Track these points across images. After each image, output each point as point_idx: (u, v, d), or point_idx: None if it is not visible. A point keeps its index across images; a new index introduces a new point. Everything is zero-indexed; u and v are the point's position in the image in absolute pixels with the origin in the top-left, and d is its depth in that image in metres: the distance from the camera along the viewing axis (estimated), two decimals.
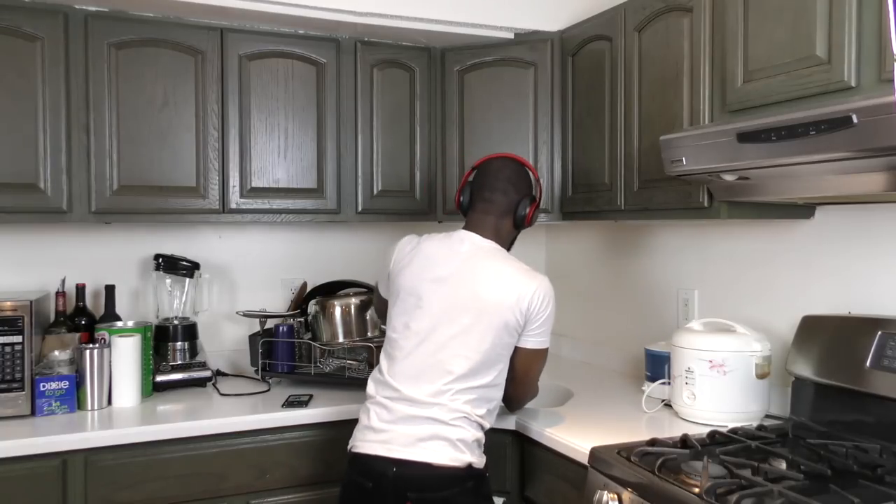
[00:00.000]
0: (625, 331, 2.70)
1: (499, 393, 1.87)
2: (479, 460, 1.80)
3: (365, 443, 1.80)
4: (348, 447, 1.86)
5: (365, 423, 1.84)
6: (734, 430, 1.80)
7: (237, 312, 2.66)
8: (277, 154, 2.45)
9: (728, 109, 1.81)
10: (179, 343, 2.44)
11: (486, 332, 1.79)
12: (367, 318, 2.46)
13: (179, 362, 2.42)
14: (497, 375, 1.85)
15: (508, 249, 2.00)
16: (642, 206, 2.14)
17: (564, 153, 2.53)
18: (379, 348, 2.35)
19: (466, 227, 1.95)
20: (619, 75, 2.21)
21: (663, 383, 2.10)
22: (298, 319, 2.58)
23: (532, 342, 1.87)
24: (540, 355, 1.92)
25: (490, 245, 1.90)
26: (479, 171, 2.00)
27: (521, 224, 1.96)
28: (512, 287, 1.81)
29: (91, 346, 2.17)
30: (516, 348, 1.87)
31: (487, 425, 1.85)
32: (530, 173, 2.02)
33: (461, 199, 2.01)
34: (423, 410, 1.77)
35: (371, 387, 1.87)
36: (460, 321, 1.80)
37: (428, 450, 1.74)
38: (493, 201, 1.93)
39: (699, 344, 1.95)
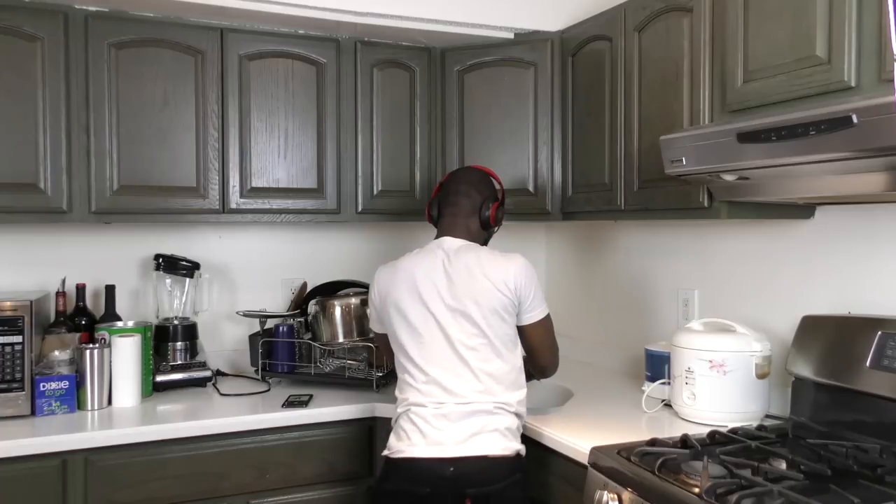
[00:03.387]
0: (625, 331, 2.70)
1: (523, 377, 1.92)
2: (522, 449, 1.85)
3: (413, 447, 1.80)
4: (387, 455, 1.86)
5: (407, 428, 1.83)
6: (734, 430, 1.80)
7: (237, 312, 2.66)
8: (277, 154, 2.45)
9: (728, 109, 1.81)
10: (179, 343, 2.44)
11: (490, 320, 1.84)
12: (368, 317, 2.46)
13: (179, 362, 2.42)
14: (517, 359, 1.90)
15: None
16: (642, 206, 2.14)
17: (564, 153, 2.53)
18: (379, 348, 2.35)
19: (438, 235, 2.01)
20: (619, 75, 2.21)
21: (663, 383, 2.10)
22: (298, 319, 2.58)
23: (533, 316, 1.92)
24: (546, 323, 1.97)
25: (464, 242, 1.96)
26: (444, 184, 2.08)
27: (486, 223, 2.02)
28: (495, 272, 1.86)
29: (91, 346, 2.17)
30: (522, 328, 1.92)
31: (523, 412, 1.89)
32: (491, 177, 2.09)
33: (431, 212, 2.10)
34: (468, 406, 1.80)
35: (404, 395, 1.88)
36: (465, 317, 1.84)
37: (481, 442, 1.77)
38: (458, 204, 2.01)
39: (699, 344, 1.95)
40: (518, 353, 1.92)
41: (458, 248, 1.93)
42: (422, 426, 1.81)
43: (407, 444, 1.81)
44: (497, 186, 2.09)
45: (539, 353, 2.00)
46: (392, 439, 1.87)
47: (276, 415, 2.13)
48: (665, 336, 2.28)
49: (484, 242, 2.07)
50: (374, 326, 2.07)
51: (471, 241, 1.98)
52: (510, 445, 1.81)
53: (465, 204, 2.00)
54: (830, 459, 1.57)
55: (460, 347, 1.83)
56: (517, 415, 1.86)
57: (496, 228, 2.07)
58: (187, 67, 2.32)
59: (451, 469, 1.75)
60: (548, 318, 1.97)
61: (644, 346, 2.27)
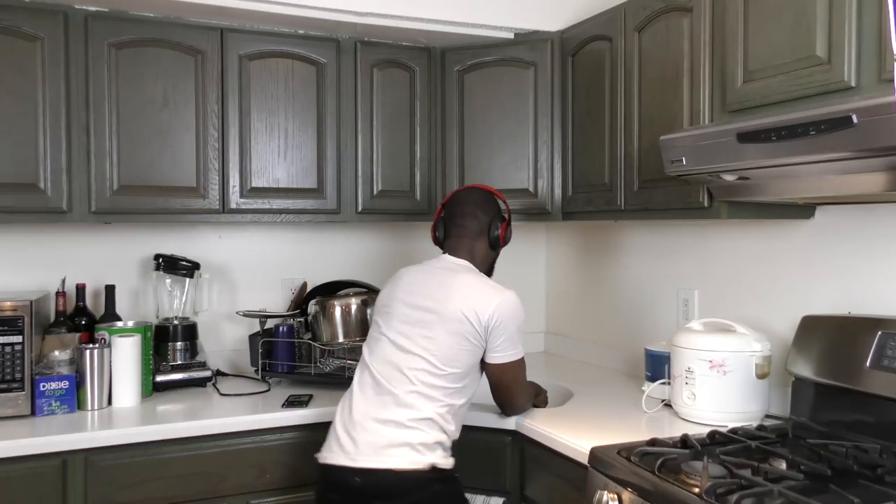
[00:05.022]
0: (625, 331, 2.70)
1: (462, 399, 1.88)
2: (443, 461, 1.82)
3: (331, 453, 1.84)
4: (316, 457, 1.88)
5: (332, 433, 1.87)
6: (734, 430, 1.80)
7: (237, 312, 2.66)
8: (277, 154, 2.45)
9: (728, 109, 1.81)
10: (179, 343, 2.44)
11: (448, 341, 1.84)
12: (368, 317, 2.46)
13: (179, 362, 2.42)
14: (463, 385, 1.87)
15: (490, 272, 2.08)
16: (642, 206, 2.14)
17: (564, 153, 2.53)
18: None
19: (444, 253, 2.04)
20: (619, 75, 2.21)
21: (663, 383, 2.10)
22: (298, 319, 2.58)
23: (498, 357, 1.89)
24: (511, 367, 1.92)
25: (463, 263, 1.98)
26: (448, 205, 2.09)
27: (496, 244, 2.03)
28: (474, 301, 1.85)
29: (91, 346, 2.17)
30: (486, 363, 1.90)
31: (453, 428, 1.86)
32: (496, 197, 2.10)
33: (436, 234, 2.09)
34: (385, 414, 1.81)
35: (343, 398, 1.92)
36: (423, 330, 1.85)
37: (391, 456, 1.76)
38: (465, 226, 2.01)
39: (699, 344, 1.95)
40: (470, 383, 1.89)
41: (455, 267, 1.96)
42: (340, 434, 1.83)
43: (327, 450, 1.85)
44: (503, 206, 2.09)
45: (500, 392, 1.98)
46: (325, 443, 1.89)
47: (276, 415, 2.13)
48: (665, 336, 2.28)
49: (491, 264, 2.08)
50: None
51: (473, 263, 1.99)
52: (422, 459, 1.77)
53: (472, 226, 2.01)
54: (830, 459, 1.57)
55: (405, 359, 1.83)
56: (441, 429, 1.82)
57: (500, 249, 2.08)
58: (187, 67, 2.32)
59: (358, 479, 1.76)
60: (517, 363, 1.92)
61: (644, 346, 2.27)
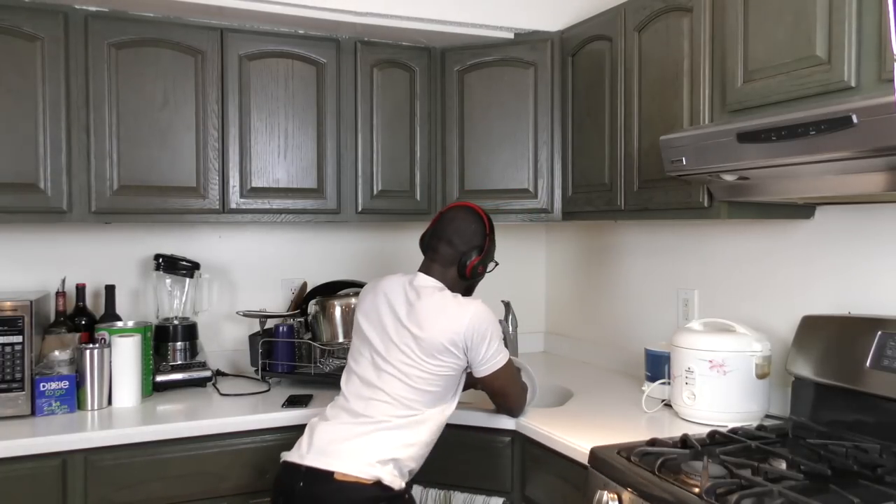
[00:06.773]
0: (625, 331, 2.70)
1: (427, 434, 1.83)
2: (392, 480, 1.74)
3: (288, 452, 1.84)
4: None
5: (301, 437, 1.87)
6: (734, 430, 1.80)
7: (237, 312, 2.66)
8: (277, 154, 2.45)
9: (728, 109, 1.81)
10: (179, 343, 2.44)
11: (425, 367, 1.81)
12: None
13: (179, 362, 2.42)
14: (434, 411, 1.84)
15: (468, 293, 2.02)
16: (642, 206, 2.14)
17: (564, 153, 2.53)
18: None
19: (419, 268, 1.98)
20: (619, 75, 2.21)
21: (663, 383, 2.10)
22: (298, 319, 2.58)
23: (486, 368, 1.87)
24: (505, 371, 1.91)
25: (433, 283, 1.92)
26: (437, 220, 2.02)
27: (463, 275, 1.95)
28: (446, 324, 1.82)
29: (91, 346, 2.17)
30: (477, 378, 1.90)
31: (415, 453, 1.81)
32: (483, 225, 1.98)
33: (421, 243, 2.04)
34: (348, 416, 1.81)
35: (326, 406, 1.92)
36: (400, 352, 1.83)
37: (334, 457, 1.74)
38: (438, 251, 1.95)
39: (699, 344, 1.95)
40: (441, 408, 1.86)
41: (425, 288, 1.90)
42: (305, 433, 1.84)
43: (295, 450, 1.83)
44: (485, 233, 1.97)
45: (498, 398, 2.00)
46: None
47: (275, 415, 2.14)
48: (665, 336, 2.28)
49: (467, 288, 2.01)
50: None
51: (444, 284, 1.93)
52: (368, 471, 1.71)
53: (445, 252, 1.94)
54: (830, 459, 1.57)
55: (382, 376, 1.82)
56: (403, 447, 1.78)
57: (479, 278, 2.01)
58: (187, 67, 2.32)
59: (301, 484, 1.73)
60: (505, 367, 1.90)
61: (644, 346, 2.27)
